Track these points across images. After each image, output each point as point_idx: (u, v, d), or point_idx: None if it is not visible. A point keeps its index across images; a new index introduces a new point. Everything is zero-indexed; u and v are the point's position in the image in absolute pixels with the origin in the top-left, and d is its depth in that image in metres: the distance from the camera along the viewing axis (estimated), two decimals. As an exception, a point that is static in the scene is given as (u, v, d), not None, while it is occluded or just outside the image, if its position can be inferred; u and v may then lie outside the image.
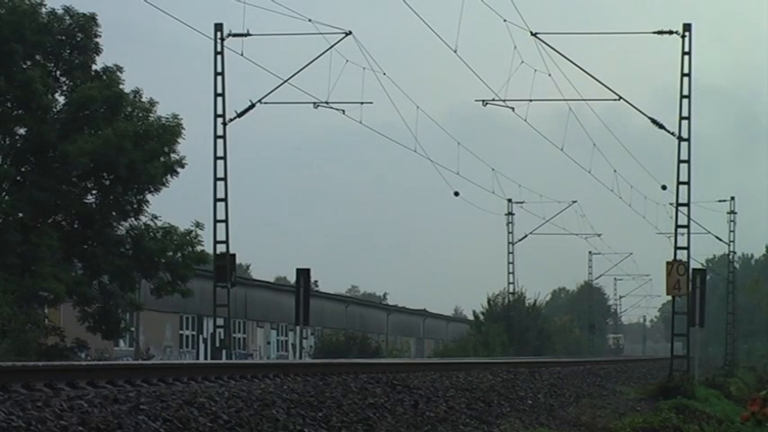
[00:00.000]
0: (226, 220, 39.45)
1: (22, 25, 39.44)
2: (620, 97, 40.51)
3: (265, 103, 40.63)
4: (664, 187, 49.22)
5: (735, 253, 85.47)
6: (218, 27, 39.16)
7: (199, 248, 42.37)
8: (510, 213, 79.90)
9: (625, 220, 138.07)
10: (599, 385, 33.79)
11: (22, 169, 40.73)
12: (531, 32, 38.39)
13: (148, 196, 41.80)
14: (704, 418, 25.44)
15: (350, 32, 38.83)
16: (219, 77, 39.41)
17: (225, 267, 38.99)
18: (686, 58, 38.21)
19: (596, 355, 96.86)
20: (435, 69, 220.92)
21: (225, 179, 39.52)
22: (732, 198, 78.66)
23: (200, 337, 66.39)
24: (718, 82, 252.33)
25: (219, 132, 39.61)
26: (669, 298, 42.70)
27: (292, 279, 49.99)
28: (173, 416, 12.01)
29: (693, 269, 40.64)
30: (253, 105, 40.37)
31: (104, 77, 41.25)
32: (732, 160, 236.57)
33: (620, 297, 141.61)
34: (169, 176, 41.70)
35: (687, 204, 39.17)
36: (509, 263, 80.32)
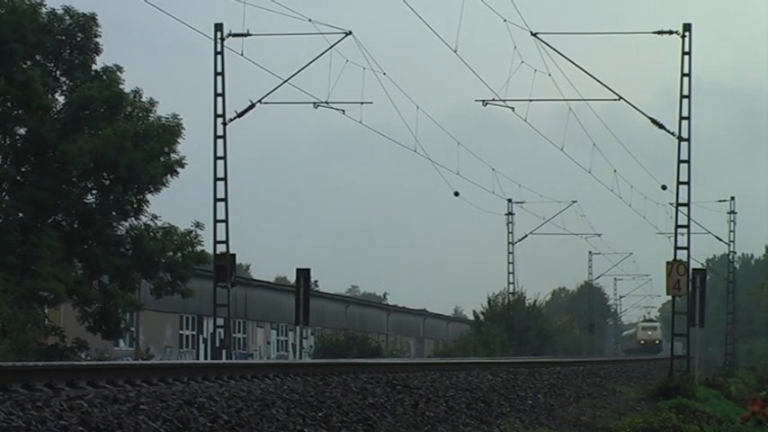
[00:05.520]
0: (226, 220, 39.46)
1: (22, 25, 39.42)
2: (621, 97, 40.55)
3: (265, 103, 40.67)
4: (664, 187, 49.30)
5: (735, 253, 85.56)
6: (219, 27, 39.17)
7: (199, 248, 42.39)
8: (510, 213, 79.98)
9: (625, 220, 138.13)
10: (599, 385, 33.80)
11: (22, 169, 40.74)
12: (531, 32, 38.43)
13: (148, 196, 41.83)
14: (704, 418, 25.44)
15: (350, 32, 38.88)
16: (219, 77, 39.42)
17: (225, 267, 38.99)
18: (686, 57, 38.22)
19: (597, 355, 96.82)
20: (435, 69, 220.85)
21: (225, 179, 39.53)
22: (732, 198, 78.83)
23: (200, 337, 66.38)
24: (721, 80, 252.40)
25: (219, 132, 39.62)
26: (669, 298, 42.71)
27: (292, 279, 49.99)
28: (173, 416, 12.02)
29: (693, 269, 40.67)
30: (253, 105, 40.39)
31: (104, 77, 41.24)
32: (734, 159, 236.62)
33: (620, 297, 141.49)
34: (169, 176, 41.71)
35: (687, 204, 39.19)
36: (509, 263, 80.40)
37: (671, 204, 46.53)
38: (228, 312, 39.68)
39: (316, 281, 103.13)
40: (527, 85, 44.20)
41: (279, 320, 76.78)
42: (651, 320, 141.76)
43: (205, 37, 39.02)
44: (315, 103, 41.17)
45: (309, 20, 37.51)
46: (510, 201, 78.49)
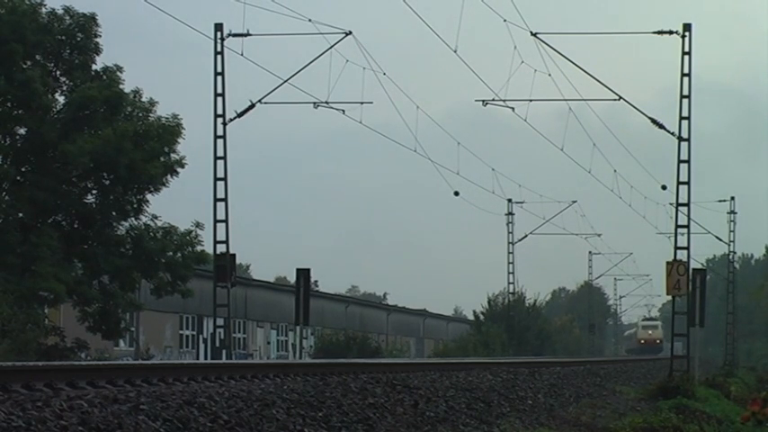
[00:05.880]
0: (226, 220, 39.47)
1: (22, 25, 39.43)
2: (620, 97, 40.55)
3: (265, 103, 40.69)
4: (664, 187, 49.30)
5: (735, 253, 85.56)
6: (219, 27, 39.18)
7: (199, 248, 42.39)
8: (510, 213, 80.00)
9: (625, 220, 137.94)
10: (599, 385, 33.80)
11: (22, 169, 40.73)
12: (531, 32, 38.43)
13: (148, 196, 41.83)
14: (704, 418, 25.45)
15: (350, 32, 38.89)
16: (219, 77, 39.44)
17: (225, 267, 39.00)
18: (686, 57, 38.23)
19: (597, 355, 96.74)
20: (435, 69, 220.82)
21: (225, 179, 39.54)
22: (732, 198, 78.87)
23: (200, 337, 66.39)
24: (721, 80, 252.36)
25: (219, 132, 39.64)
26: (669, 298, 42.71)
27: (292, 279, 49.99)
28: (173, 416, 12.01)
29: (693, 269, 40.67)
30: (253, 105, 40.40)
31: (104, 77, 41.25)
32: (734, 159, 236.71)
33: (620, 297, 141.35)
34: (169, 176, 41.71)
35: (687, 204, 39.19)
36: (509, 263, 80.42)
37: (671, 204, 46.56)
38: (228, 312, 39.68)
39: (316, 281, 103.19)
40: (527, 85, 44.22)
41: (279, 320, 76.78)
42: (652, 319, 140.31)
43: (205, 37, 39.08)
44: (315, 103, 41.21)
45: (309, 20, 37.56)
46: (510, 201, 78.55)
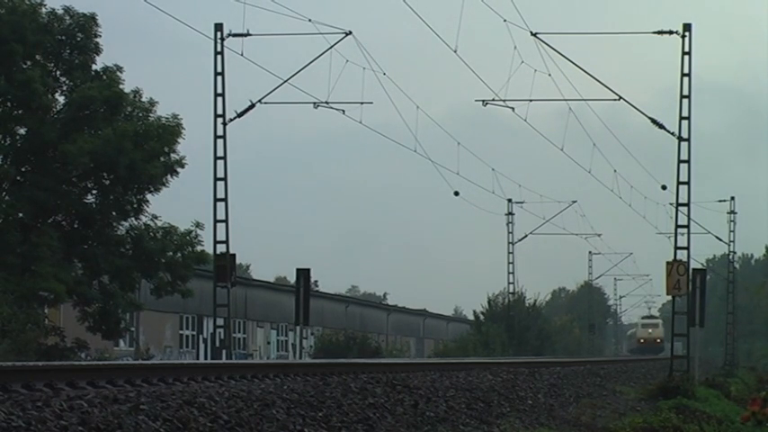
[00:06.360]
0: (226, 220, 39.46)
1: (22, 25, 39.45)
2: (621, 97, 40.54)
3: (265, 103, 40.68)
4: (664, 187, 49.28)
5: (735, 253, 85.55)
6: (219, 27, 39.18)
7: (199, 248, 42.41)
8: (510, 213, 79.98)
9: (625, 220, 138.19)
10: (599, 385, 33.78)
11: (22, 169, 40.75)
12: (531, 32, 38.42)
13: (148, 196, 41.86)
14: (704, 418, 25.43)
15: (350, 32, 38.89)
16: (219, 77, 39.43)
17: (225, 267, 38.99)
18: (686, 57, 38.21)
19: (597, 355, 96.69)
20: (435, 69, 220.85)
21: (225, 179, 39.53)
22: (732, 198, 78.89)
23: (200, 337, 66.39)
24: (722, 80, 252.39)
25: (219, 132, 39.63)
26: (669, 298, 42.70)
27: (292, 279, 50.00)
28: (173, 416, 12.01)
29: (693, 269, 40.65)
30: (253, 105, 40.40)
31: (104, 77, 41.26)
32: (734, 159, 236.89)
33: (620, 297, 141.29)
34: (169, 176, 41.73)
35: (687, 204, 39.18)
36: (509, 263, 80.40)
37: (671, 204, 46.55)
38: (228, 312, 39.68)
39: (316, 281, 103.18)
40: (527, 85, 44.25)
41: (279, 320, 76.77)
42: (652, 317, 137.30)
43: (205, 37, 39.07)
44: (315, 103, 41.21)
45: (309, 20, 37.56)
46: (510, 201, 78.55)
